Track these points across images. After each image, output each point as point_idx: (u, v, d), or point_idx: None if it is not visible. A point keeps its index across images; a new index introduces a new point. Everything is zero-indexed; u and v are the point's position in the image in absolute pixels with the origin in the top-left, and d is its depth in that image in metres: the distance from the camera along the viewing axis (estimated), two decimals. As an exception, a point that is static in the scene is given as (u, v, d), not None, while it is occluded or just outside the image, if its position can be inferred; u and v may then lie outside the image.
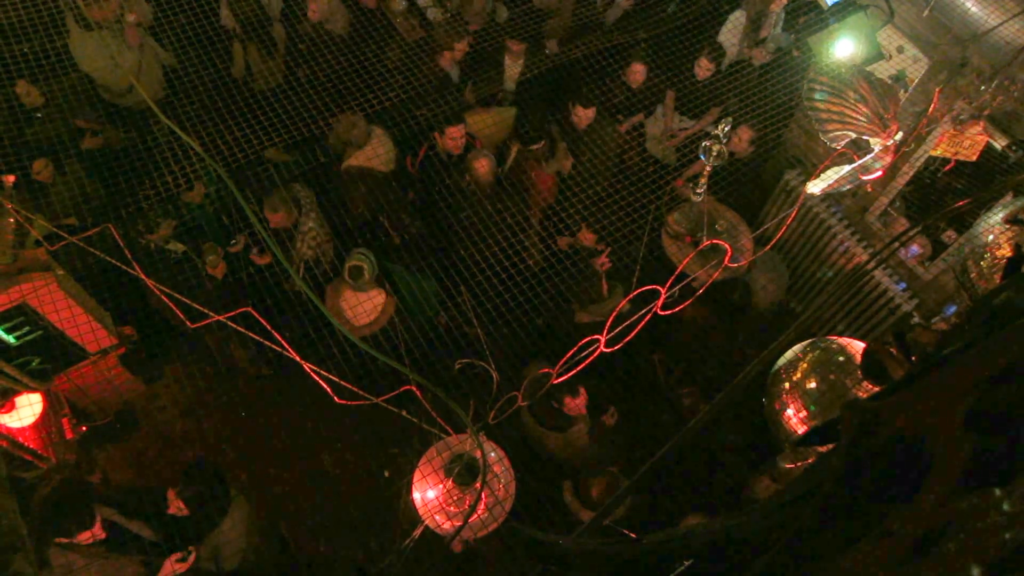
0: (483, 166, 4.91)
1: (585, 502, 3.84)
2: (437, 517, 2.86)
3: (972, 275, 2.80)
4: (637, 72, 5.61)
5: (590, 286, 4.44)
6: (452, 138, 4.98)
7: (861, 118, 3.31)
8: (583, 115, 5.34)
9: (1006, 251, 2.69)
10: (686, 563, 1.60)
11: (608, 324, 3.06)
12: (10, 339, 3.87)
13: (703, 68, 5.56)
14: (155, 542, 3.48)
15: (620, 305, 4.47)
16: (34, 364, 3.98)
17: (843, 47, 4.43)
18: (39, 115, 4.89)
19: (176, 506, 3.57)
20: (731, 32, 5.77)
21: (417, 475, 2.91)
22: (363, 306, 4.58)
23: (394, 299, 4.73)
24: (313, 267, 4.76)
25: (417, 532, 3.04)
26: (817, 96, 3.38)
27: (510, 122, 5.65)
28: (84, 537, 3.28)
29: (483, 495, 2.69)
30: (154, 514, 3.58)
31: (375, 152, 5.01)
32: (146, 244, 4.48)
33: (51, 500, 3.34)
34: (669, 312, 3.22)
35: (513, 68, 5.82)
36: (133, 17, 4.99)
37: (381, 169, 5.04)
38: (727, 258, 3.71)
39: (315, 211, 4.85)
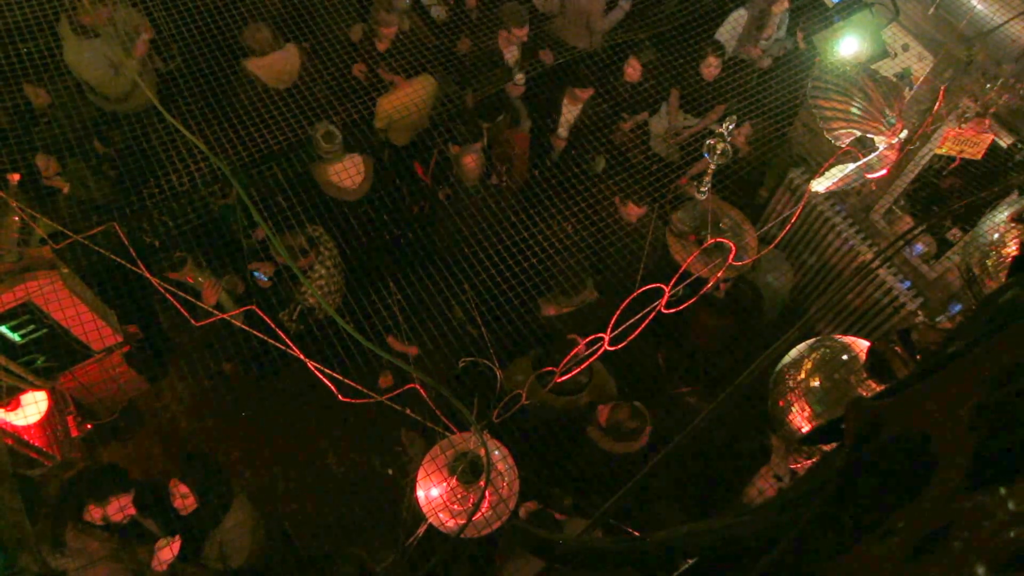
0: (472, 160, 4.89)
1: (610, 432, 3.87)
2: (441, 515, 2.86)
3: (977, 273, 2.80)
4: (633, 69, 5.56)
5: (565, 279, 4.41)
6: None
7: (866, 116, 3.30)
8: (634, 212, 5.00)
9: (1012, 249, 2.69)
10: (689, 562, 1.60)
11: (612, 322, 3.06)
12: (15, 337, 3.88)
13: (710, 67, 5.53)
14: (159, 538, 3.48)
15: (590, 298, 4.47)
16: (39, 362, 3.99)
17: (848, 45, 4.42)
18: (42, 105, 4.88)
19: (180, 494, 3.56)
20: (730, 31, 5.75)
21: (421, 473, 2.92)
22: (349, 170, 4.76)
23: (370, 156, 4.85)
24: (307, 314, 4.62)
25: (421, 530, 3.05)
26: (821, 94, 3.37)
27: (431, 89, 5.29)
28: (115, 507, 3.31)
29: (487, 493, 2.69)
30: (158, 509, 3.58)
31: (272, 64, 5.03)
32: (150, 243, 4.47)
33: (86, 473, 3.44)
34: (673, 311, 3.22)
35: (571, 112, 5.62)
36: (147, 35, 5.04)
37: (271, 83, 5.08)
38: (731, 256, 3.70)
39: (332, 261, 4.74)
